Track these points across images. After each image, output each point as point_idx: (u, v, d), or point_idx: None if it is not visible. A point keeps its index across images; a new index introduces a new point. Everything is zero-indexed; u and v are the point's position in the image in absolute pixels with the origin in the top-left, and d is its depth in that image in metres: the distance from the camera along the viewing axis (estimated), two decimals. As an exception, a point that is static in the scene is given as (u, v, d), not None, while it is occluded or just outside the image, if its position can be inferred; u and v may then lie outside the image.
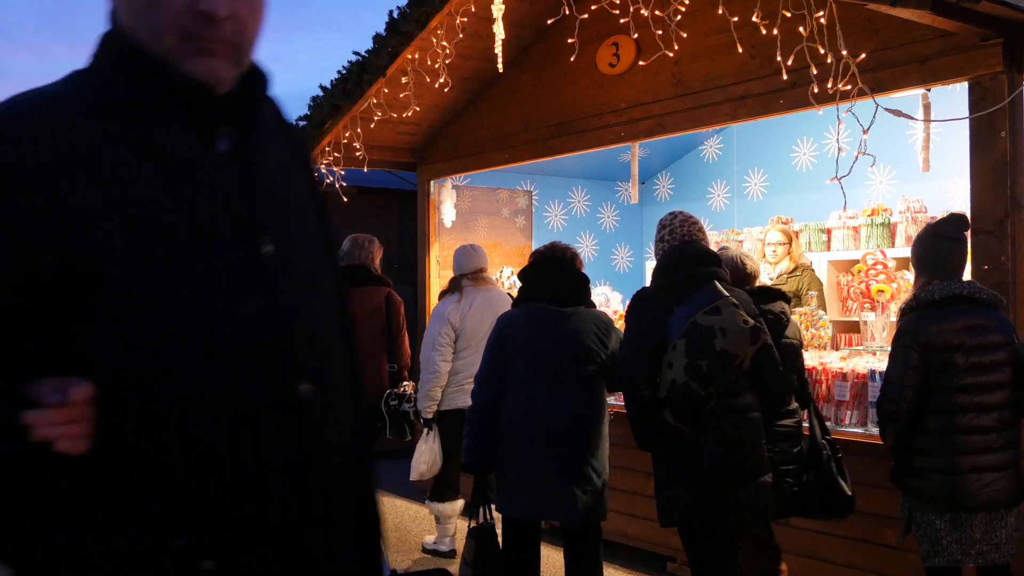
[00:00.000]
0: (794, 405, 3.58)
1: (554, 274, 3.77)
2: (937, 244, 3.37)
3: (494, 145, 6.66)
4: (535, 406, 3.61)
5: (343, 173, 6.90)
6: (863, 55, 4.16)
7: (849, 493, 3.55)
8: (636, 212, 8.57)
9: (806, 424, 3.65)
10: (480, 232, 7.60)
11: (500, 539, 3.91)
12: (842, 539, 4.19)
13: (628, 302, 3.41)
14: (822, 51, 4.19)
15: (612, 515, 4.12)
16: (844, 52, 4.08)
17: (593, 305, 3.92)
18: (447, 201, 7.28)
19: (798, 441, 3.57)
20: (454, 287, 5.35)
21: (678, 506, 3.25)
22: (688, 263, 3.30)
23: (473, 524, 3.95)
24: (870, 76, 4.17)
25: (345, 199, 6.92)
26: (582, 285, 3.81)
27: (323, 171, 6.98)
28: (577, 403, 3.63)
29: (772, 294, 3.74)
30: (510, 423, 3.65)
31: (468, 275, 5.34)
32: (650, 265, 8.05)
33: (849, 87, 4.13)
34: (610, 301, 6.20)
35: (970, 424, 3.16)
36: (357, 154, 6.63)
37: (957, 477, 3.13)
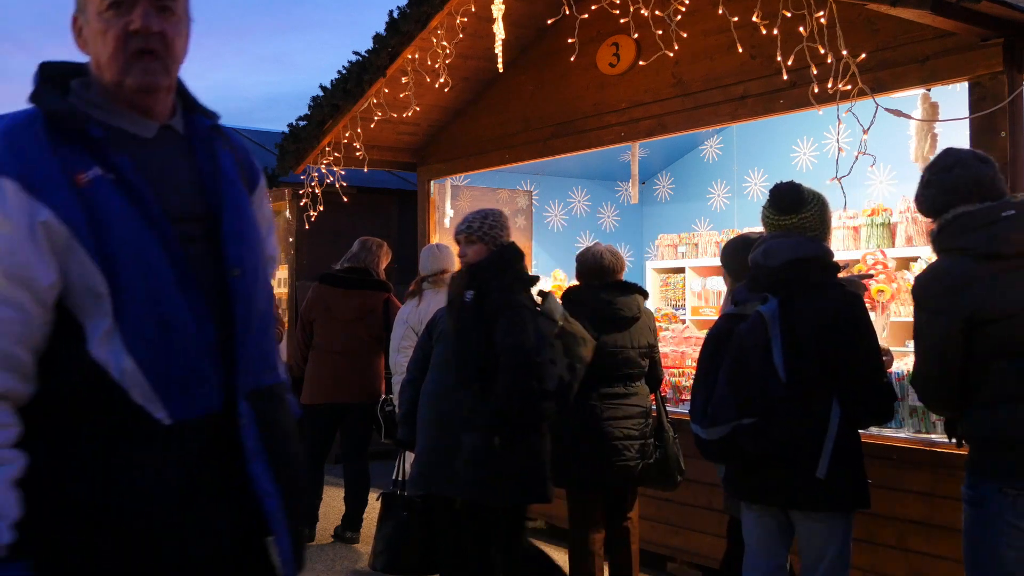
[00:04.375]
0: (643, 391, 4.19)
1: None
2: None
3: (494, 145, 6.65)
4: (431, 385, 3.78)
5: (343, 173, 6.90)
6: (863, 55, 4.16)
7: (683, 467, 4.20)
8: (636, 212, 8.57)
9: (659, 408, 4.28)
10: (480, 232, 7.59)
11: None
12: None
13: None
14: (822, 51, 4.19)
15: (612, 515, 4.12)
16: (844, 52, 4.08)
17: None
18: (447, 201, 7.28)
19: (646, 421, 4.13)
20: (415, 291, 5.30)
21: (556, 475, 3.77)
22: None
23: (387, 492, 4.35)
24: (870, 76, 4.17)
25: (345, 199, 6.92)
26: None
27: (323, 171, 6.98)
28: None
29: (629, 288, 4.21)
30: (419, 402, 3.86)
31: (430, 277, 5.29)
32: (651, 265, 8.05)
33: (849, 87, 4.13)
34: (610, 301, 6.18)
35: None
36: (357, 154, 6.63)
37: None
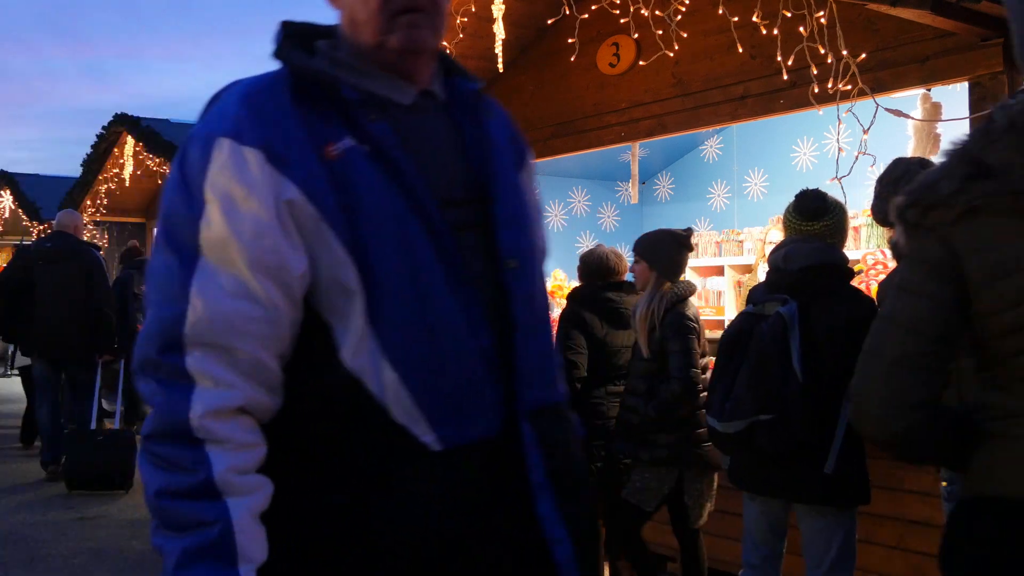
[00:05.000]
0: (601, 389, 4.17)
1: None
2: None
3: (494, 145, 6.64)
4: None
5: (343, 173, 6.89)
6: (863, 55, 4.16)
7: None
8: (636, 212, 8.57)
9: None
10: (480, 232, 7.59)
11: None
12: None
13: None
14: (822, 51, 4.19)
15: (612, 515, 4.12)
16: (844, 52, 4.08)
17: None
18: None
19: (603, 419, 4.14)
20: None
21: None
22: None
23: None
24: (870, 76, 4.17)
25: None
26: None
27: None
28: None
29: (633, 288, 4.25)
30: None
31: None
32: (650, 265, 8.04)
33: (849, 87, 4.13)
34: (610, 301, 6.19)
35: None
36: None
37: None
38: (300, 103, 1.24)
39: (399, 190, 1.24)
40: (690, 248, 3.99)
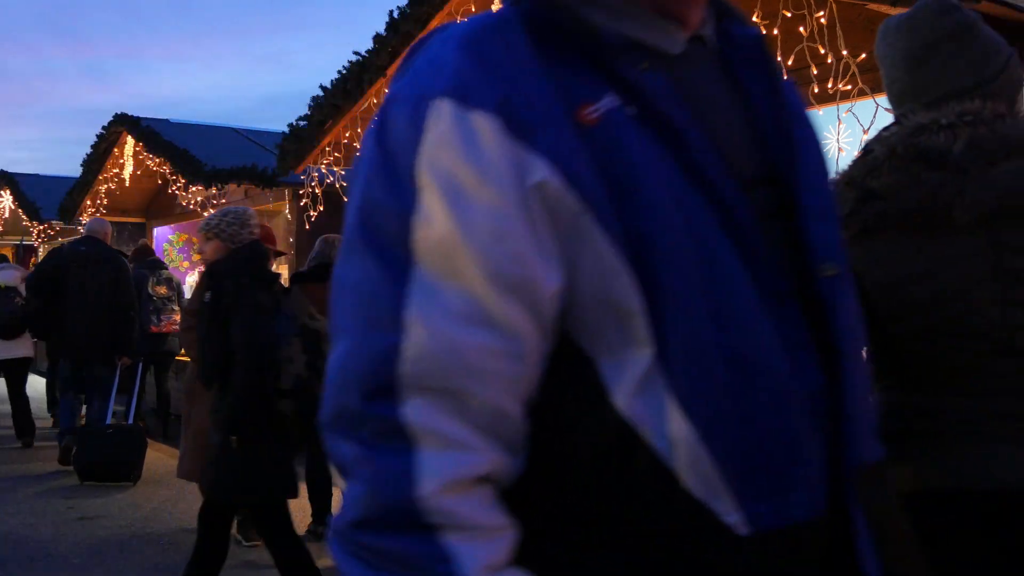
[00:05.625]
0: None
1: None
2: None
3: (494, 145, 6.65)
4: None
5: (343, 173, 6.90)
6: (863, 55, 4.16)
7: None
8: (636, 212, 8.58)
9: None
10: (480, 232, 7.60)
11: None
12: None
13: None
14: (822, 51, 4.19)
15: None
16: (844, 52, 4.09)
17: None
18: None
19: None
20: None
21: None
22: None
23: None
24: (870, 76, 4.17)
25: (345, 199, 6.92)
26: None
27: (323, 171, 6.98)
28: None
29: None
30: None
31: None
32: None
33: (849, 87, 4.14)
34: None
35: None
36: (357, 154, 6.63)
37: None
38: (541, 50, 0.88)
39: (683, 167, 0.88)
40: None
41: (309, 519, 5.74)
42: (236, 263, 3.64)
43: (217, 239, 3.72)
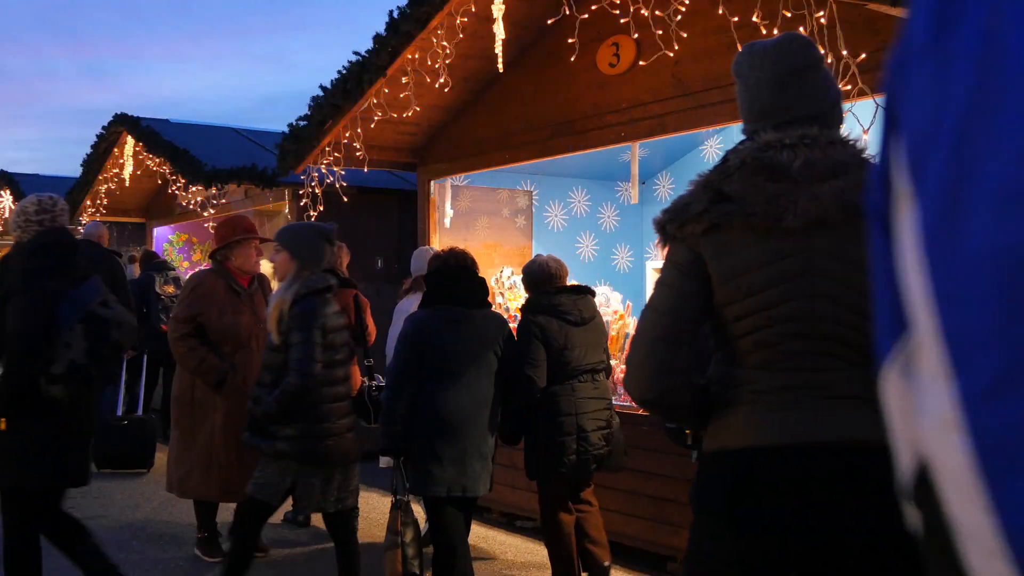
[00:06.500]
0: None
1: (463, 279, 4.11)
2: None
3: (494, 145, 6.65)
4: (452, 396, 3.92)
5: (343, 173, 6.90)
6: (863, 55, 4.16)
7: (627, 453, 4.44)
8: (636, 212, 8.57)
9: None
10: (480, 232, 7.59)
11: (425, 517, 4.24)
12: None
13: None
14: (822, 51, 4.19)
15: (612, 515, 4.12)
16: (844, 52, 4.09)
17: (490, 306, 4.36)
18: (447, 201, 7.29)
19: (611, 411, 4.39)
20: (418, 286, 5.39)
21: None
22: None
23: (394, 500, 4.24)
24: (870, 76, 4.18)
25: (345, 199, 6.92)
26: (485, 288, 4.22)
27: (323, 171, 6.98)
28: (484, 392, 4.00)
29: (581, 290, 4.47)
30: (428, 412, 3.91)
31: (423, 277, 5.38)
32: (651, 265, 8.05)
33: (849, 87, 4.14)
34: (610, 301, 6.19)
35: None
36: (357, 154, 6.63)
37: None
38: None
39: None
40: (332, 242, 4.07)
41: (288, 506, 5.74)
42: (25, 252, 3.68)
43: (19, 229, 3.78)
